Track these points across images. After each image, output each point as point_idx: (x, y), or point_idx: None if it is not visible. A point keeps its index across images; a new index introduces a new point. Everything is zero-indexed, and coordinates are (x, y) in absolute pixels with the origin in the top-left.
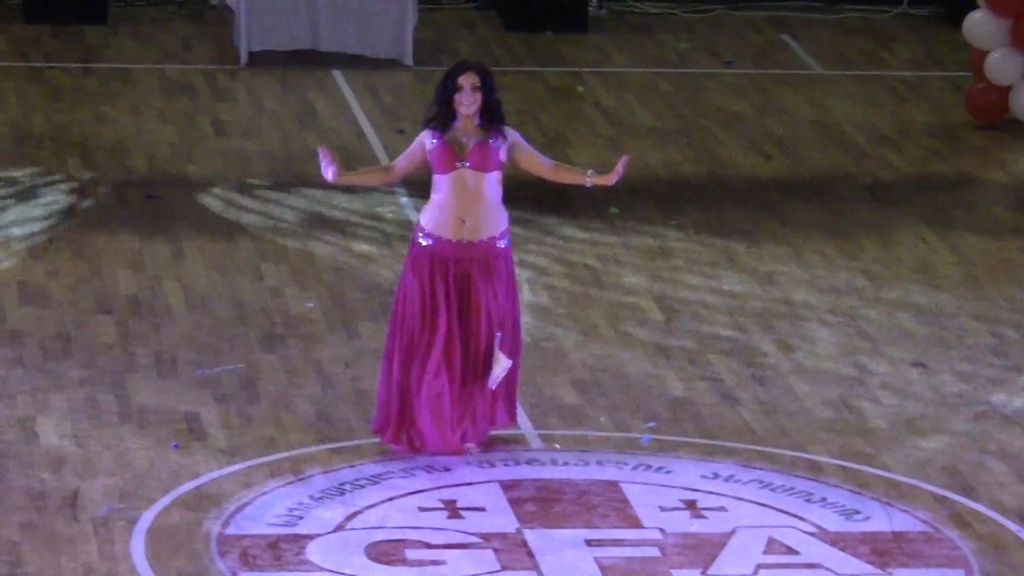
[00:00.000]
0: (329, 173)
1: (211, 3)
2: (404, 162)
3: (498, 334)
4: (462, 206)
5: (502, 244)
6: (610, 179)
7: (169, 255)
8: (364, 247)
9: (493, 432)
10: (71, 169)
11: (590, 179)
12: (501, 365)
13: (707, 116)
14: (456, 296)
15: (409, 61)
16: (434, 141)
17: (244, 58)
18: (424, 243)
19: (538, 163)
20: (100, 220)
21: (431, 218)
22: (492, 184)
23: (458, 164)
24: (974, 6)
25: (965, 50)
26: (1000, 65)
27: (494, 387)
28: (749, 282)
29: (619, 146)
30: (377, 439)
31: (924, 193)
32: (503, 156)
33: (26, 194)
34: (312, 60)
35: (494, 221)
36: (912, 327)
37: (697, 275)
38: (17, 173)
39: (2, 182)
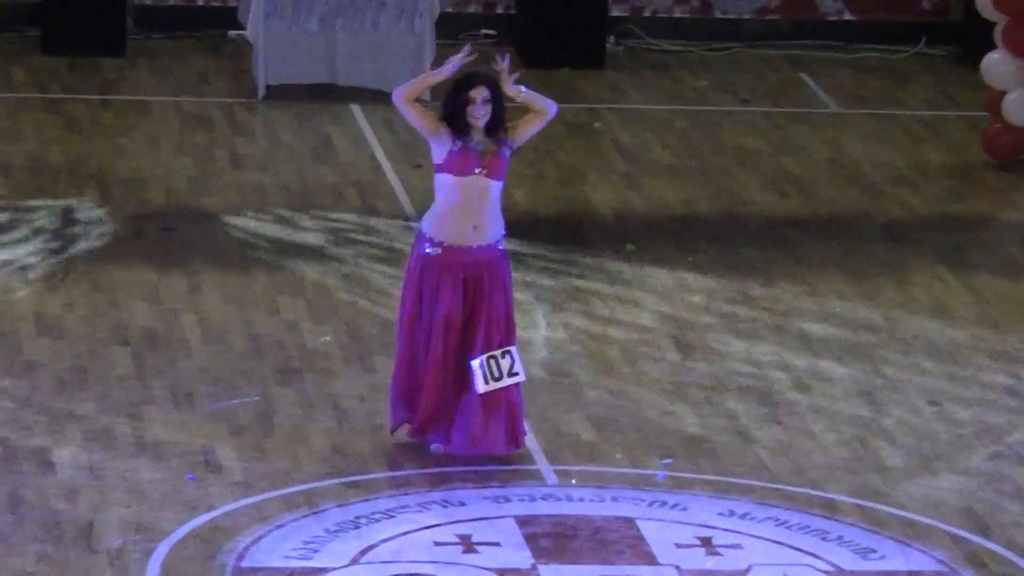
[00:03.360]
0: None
1: (229, 36)
2: (419, 107)
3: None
4: (473, 211)
5: (500, 247)
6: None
7: (185, 288)
8: (381, 281)
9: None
10: (88, 201)
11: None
12: (507, 365)
13: (724, 154)
14: (462, 301)
15: (427, 96)
16: (457, 142)
17: (262, 91)
18: (432, 252)
19: (525, 123)
20: (117, 252)
21: (440, 226)
22: (498, 191)
23: (476, 170)
24: (991, 46)
25: (982, 90)
26: (1017, 106)
27: (482, 391)
28: (765, 320)
29: (636, 182)
30: (394, 461)
31: (941, 233)
32: (509, 164)
33: (43, 225)
34: (330, 94)
35: (497, 226)
36: (928, 366)
37: (713, 312)
38: (34, 204)
39: (20, 213)
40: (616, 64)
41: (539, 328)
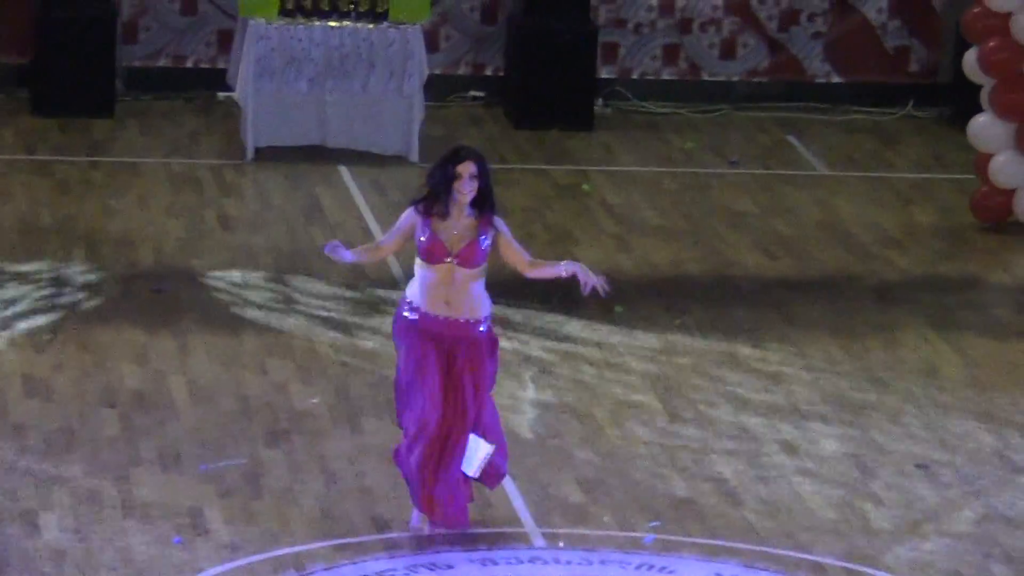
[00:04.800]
0: (339, 252)
1: (219, 98)
2: (393, 242)
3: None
4: (446, 292)
5: (482, 328)
6: (585, 285)
7: (174, 349)
8: (369, 343)
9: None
10: (77, 262)
11: (565, 269)
12: (483, 451)
13: (713, 215)
14: (443, 367)
15: (416, 158)
16: (425, 232)
17: (251, 153)
18: (410, 316)
19: (518, 257)
20: (105, 313)
21: (416, 294)
22: (473, 278)
23: (447, 259)
24: (979, 109)
25: (970, 152)
26: (1005, 168)
27: (475, 474)
28: (754, 382)
29: (625, 244)
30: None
31: (929, 294)
32: (488, 249)
33: (32, 287)
34: (319, 156)
35: (476, 306)
36: (916, 428)
37: (702, 374)
38: (23, 267)
39: (8, 275)
40: (605, 125)
41: (527, 390)
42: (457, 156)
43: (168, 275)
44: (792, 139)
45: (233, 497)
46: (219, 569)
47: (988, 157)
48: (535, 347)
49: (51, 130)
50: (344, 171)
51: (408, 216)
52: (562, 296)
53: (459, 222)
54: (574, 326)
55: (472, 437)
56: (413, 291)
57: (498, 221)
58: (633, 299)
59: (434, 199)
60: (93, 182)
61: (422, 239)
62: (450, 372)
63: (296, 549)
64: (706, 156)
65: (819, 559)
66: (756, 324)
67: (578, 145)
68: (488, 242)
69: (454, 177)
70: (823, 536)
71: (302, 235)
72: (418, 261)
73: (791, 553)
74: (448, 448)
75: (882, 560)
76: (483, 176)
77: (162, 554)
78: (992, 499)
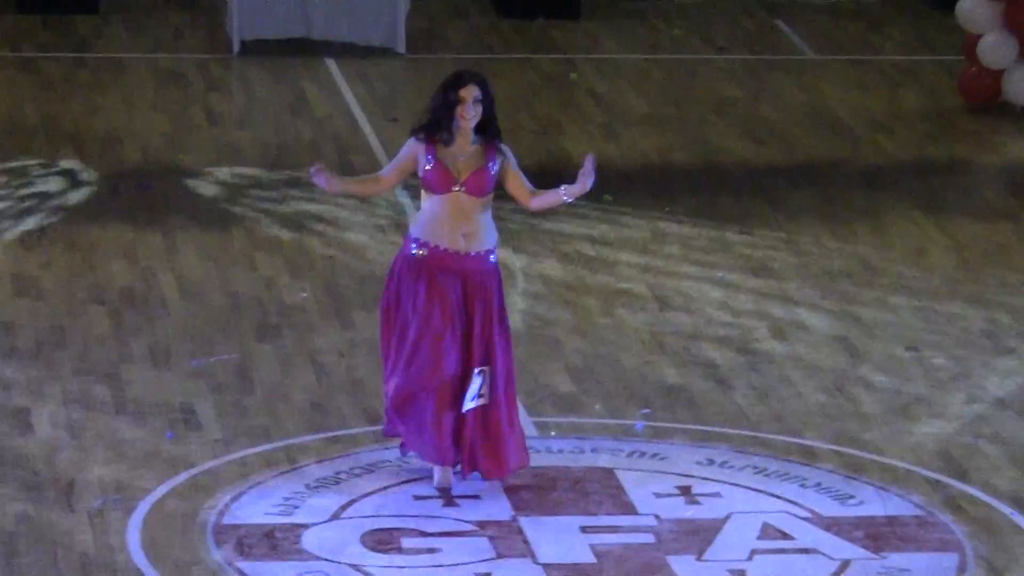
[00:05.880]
0: (321, 180)
1: None
2: (393, 174)
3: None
4: (460, 223)
5: (492, 259)
6: (585, 184)
7: (163, 246)
8: (357, 236)
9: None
10: (64, 160)
11: (565, 194)
12: (475, 386)
13: (700, 102)
14: (453, 304)
15: (402, 49)
16: (430, 160)
17: (236, 47)
18: (420, 253)
19: (521, 189)
20: (93, 211)
21: (426, 229)
22: (484, 205)
23: (454, 188)
24: None
25: (958, 34)
26: (993, 49)
27: (464, 409)
28: (743, 268)
29: (613, 133)
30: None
31: (917, 178)
32: (496, 175)
33: (19, 186)
34: (304, 49)
35: (487, 235)
36: (905, 312)
37: (691, 262)
38: (9, 164)
39: None
40: (591, 14)
41: (517, 281)
42: (460, 80)
43: (155, 172)
44: (780, 24)
45: (224, 392)
46: (212, 464)
47: (976, 38)
48: (524, 238)
49: (35, 27)
50: (330, 64)
51: (409, 146)
52: (550, 185)
53: (465, 149)
54: (562, 215)
55: (475, 373)
56: (421, 228)
57: (505, 148)
58: (621, 188)
59: (436, 126)
60: (78, 79)
61: (427, 168)
62: (464, 313)
63: (288, 442)
64: (693, 42)
65: (810, 443)
66: (744, 211)
67: (564, 34)
68: (496, 168)
69: (457, 101)
70: (813, 420)
71: (289, 129)
72: (424, 194)
73: (782, 438)
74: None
75: (872, 443)
76: (487, 99)
77: (155, 450)
78: (982, 380)
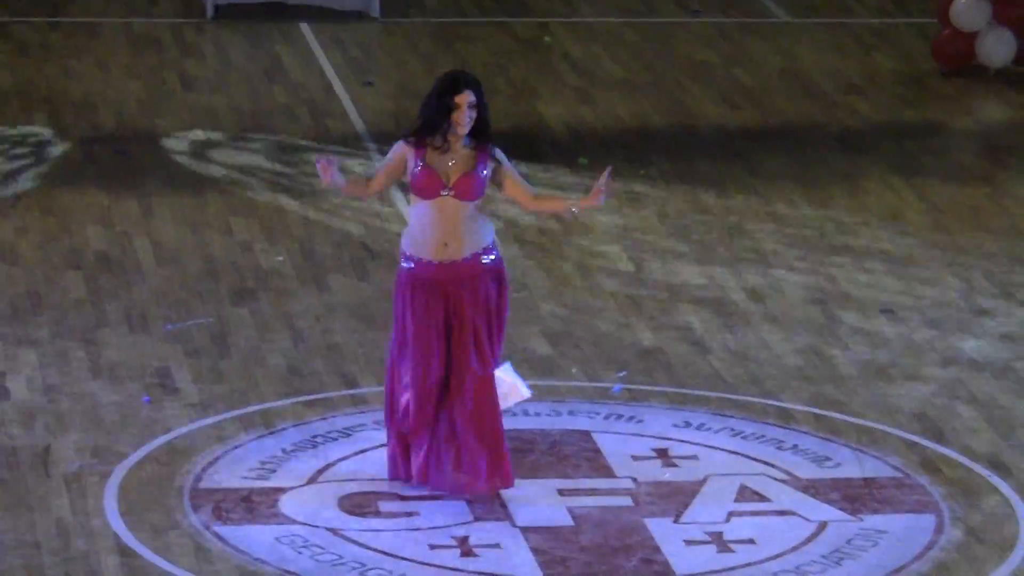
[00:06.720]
0: (332, 173)
1: None
2: (382, 176)
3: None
4: (444, 230)
5: (487, 259)
6: (597, 198)
7: (138, 211)
8: (333, 201)
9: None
10: (38, 125)
11: (574, 206)
12: (508, 388)
13: (675, 66)
14: (441, 319)
15: (376, 13)
16: (418, 164)
17: (210, 11)
18: (406, 266)
19: (521, 191)
20: (68, 176)
21: (412, 241)
22: (473, 209)
23: (442, 192)
24: None
25: None
26: (966, 12)
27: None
28: (719, 231)
29: (588, 96)
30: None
31: (892, 141)
32: (487, 180)
33: None
34: (279, 13)
35: (477, 239)
36: (881, 274)
37: (667, 225)
38: None
39: None
40: None
41: None
42: (455, 86)
43: (130, 137)
44: None
45: (201, 356)
46: (188, 428)
47: (950, 1)
48: (499, 200)
49: None
50: (305, 28)
51: (398, 149)
52: (526, 150)
53: (456, 153)
54: (539, 179)
55: (496, 374)
56: (408, 240)
57: (498, 152)
58: (597, 151)
59: (429, 131)
60: (52, 44)
61: (415, 171)
62: (455, 320)
63: (265, 406)
64: (668, 6)
65: (787, 405)
66: (719, 174)
67: None
68: (487, 172)
69: (453, 108)
70: (791, 382)
71: (264, 94)
72: (412, 199)
73: (758, 400)
74: (445, 405)
75: (849, 405)
76: (481, 104)
77: (131, 414)
78: (957, 342)
